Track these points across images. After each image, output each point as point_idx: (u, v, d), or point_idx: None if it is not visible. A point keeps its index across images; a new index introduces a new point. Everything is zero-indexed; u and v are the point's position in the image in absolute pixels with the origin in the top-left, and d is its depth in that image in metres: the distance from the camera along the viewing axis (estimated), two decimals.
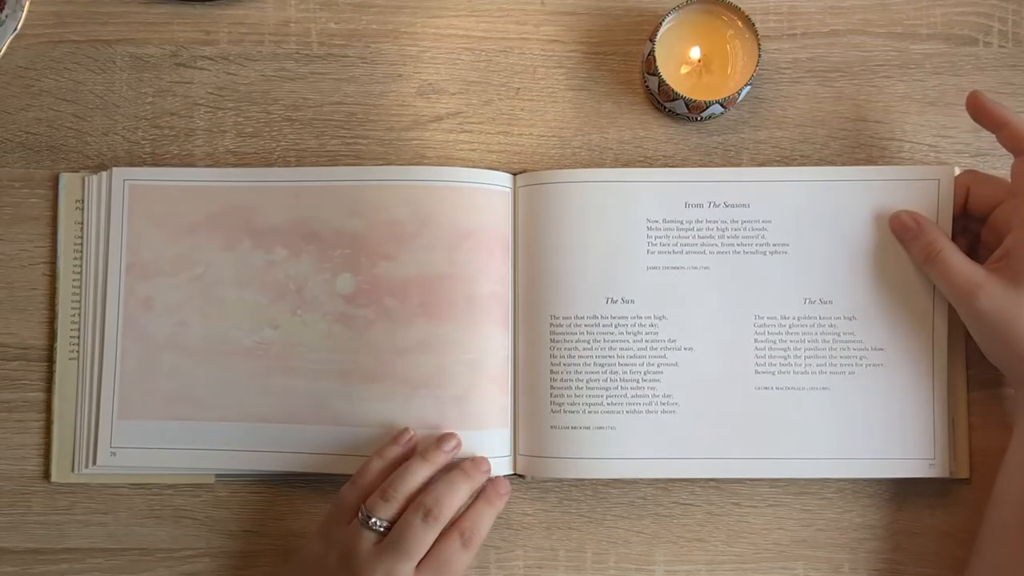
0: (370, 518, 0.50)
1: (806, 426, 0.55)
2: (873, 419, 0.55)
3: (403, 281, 0.55)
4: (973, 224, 0.55)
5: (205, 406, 0.56)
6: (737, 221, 0.56)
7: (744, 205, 0.56)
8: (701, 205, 0.56)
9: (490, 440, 0.55)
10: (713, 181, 0.56)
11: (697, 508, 0.57)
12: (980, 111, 0.53)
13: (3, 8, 0.57)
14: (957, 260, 0.52)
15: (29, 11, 0.58)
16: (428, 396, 0.55)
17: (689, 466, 0.55)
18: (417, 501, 0.50)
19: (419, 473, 0.51)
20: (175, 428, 0.56)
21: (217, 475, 0.57)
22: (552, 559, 0.57)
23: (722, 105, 0.56)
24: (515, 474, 0.56)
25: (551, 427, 0.55)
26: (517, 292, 0.57)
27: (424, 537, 0.49)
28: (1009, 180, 0.52)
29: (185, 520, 0.57)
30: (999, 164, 0.58)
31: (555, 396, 0.55)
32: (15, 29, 0.57)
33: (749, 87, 0.56)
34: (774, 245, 0.56)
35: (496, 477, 0.54)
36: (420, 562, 0.49)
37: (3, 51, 0.57)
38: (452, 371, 0.55)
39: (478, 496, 0.53)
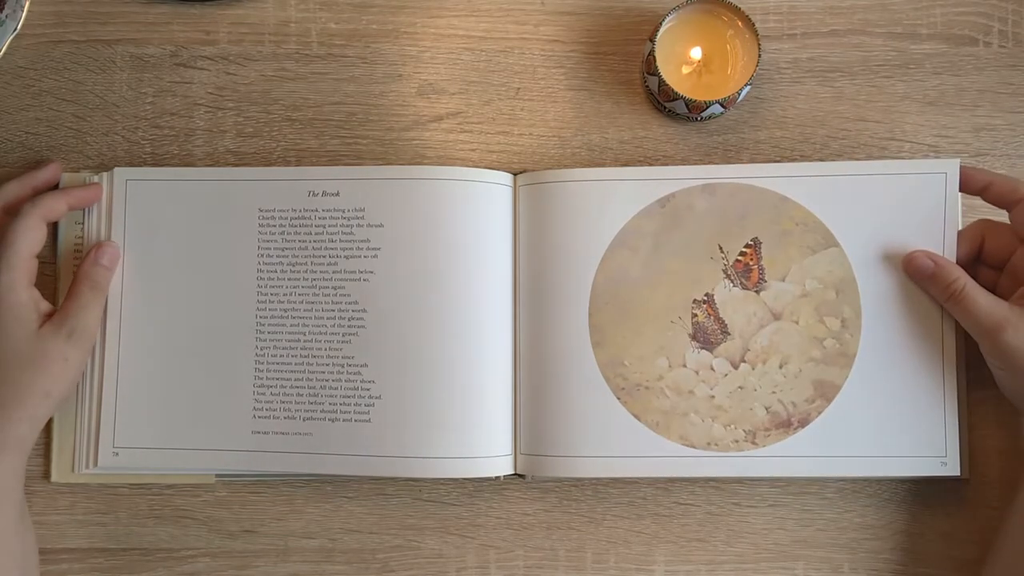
0: None
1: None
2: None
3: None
4: (983, 271, 0.54)
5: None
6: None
7: None
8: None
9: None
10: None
11: (697, 508, 0.57)
12: (965, 179, 0.53)
13: (3, 8, 0.57)
14: (981, 297, 0.51)
15: (29, 11, 0.58)
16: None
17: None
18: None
19: None
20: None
21: (217, 475, 0.57)
22: (552, 559, 0.57)
23: (722, 105, 0.56)
24: (516, 474, 0.56)
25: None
26: (518, 292, 0.57)
27: None
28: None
29: (185, 520, 0.57)
30: (999, 164, 0.58)
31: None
32: (15, 29, 0.57)
33: (749, 87, 0.56)
34: None
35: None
36: None
37: (3, 51, 0.57)
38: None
39: None
